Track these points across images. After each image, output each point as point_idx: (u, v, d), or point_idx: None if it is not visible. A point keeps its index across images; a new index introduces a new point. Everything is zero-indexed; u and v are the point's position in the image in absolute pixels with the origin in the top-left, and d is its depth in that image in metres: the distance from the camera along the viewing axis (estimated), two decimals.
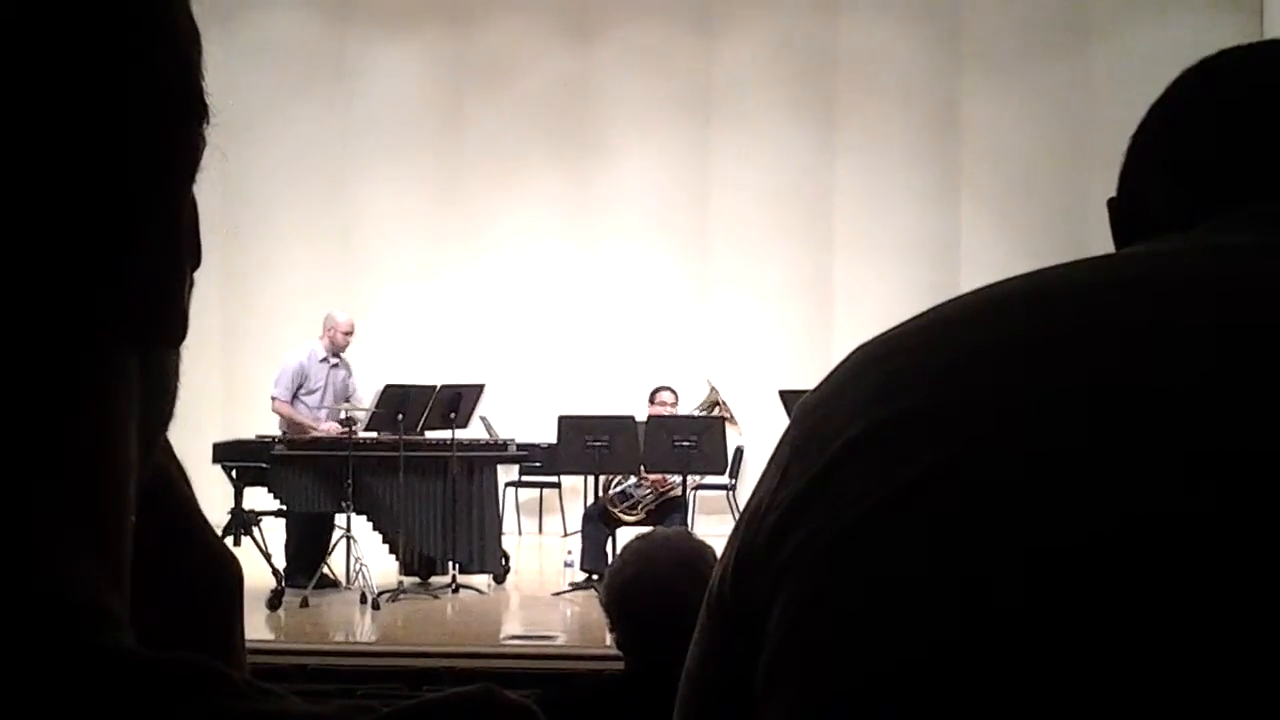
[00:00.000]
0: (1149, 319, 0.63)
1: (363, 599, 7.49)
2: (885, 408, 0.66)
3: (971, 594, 0.59)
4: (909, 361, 0.68)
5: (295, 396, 8.27)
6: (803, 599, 0.65)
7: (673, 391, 8.90)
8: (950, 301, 0.71)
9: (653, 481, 8.37)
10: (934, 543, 0.61)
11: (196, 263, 0.56)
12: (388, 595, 7.59)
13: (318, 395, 8.31)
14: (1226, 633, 0.55)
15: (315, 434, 8.12)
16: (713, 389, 8.92)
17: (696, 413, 8.82)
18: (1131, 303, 0.65)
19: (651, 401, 8.86)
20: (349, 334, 8.39)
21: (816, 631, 0.64)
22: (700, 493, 9.66)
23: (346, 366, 8.48)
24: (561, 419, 8.11)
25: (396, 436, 7.77)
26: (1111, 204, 0.85)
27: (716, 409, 8.75)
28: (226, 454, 7.82)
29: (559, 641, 6.74)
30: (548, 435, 8.42)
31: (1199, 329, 0.62)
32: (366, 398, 8.24)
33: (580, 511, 8.66)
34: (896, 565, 0.62)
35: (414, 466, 7.88)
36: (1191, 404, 0.59)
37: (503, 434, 8.95)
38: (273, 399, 8.28)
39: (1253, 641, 0.54)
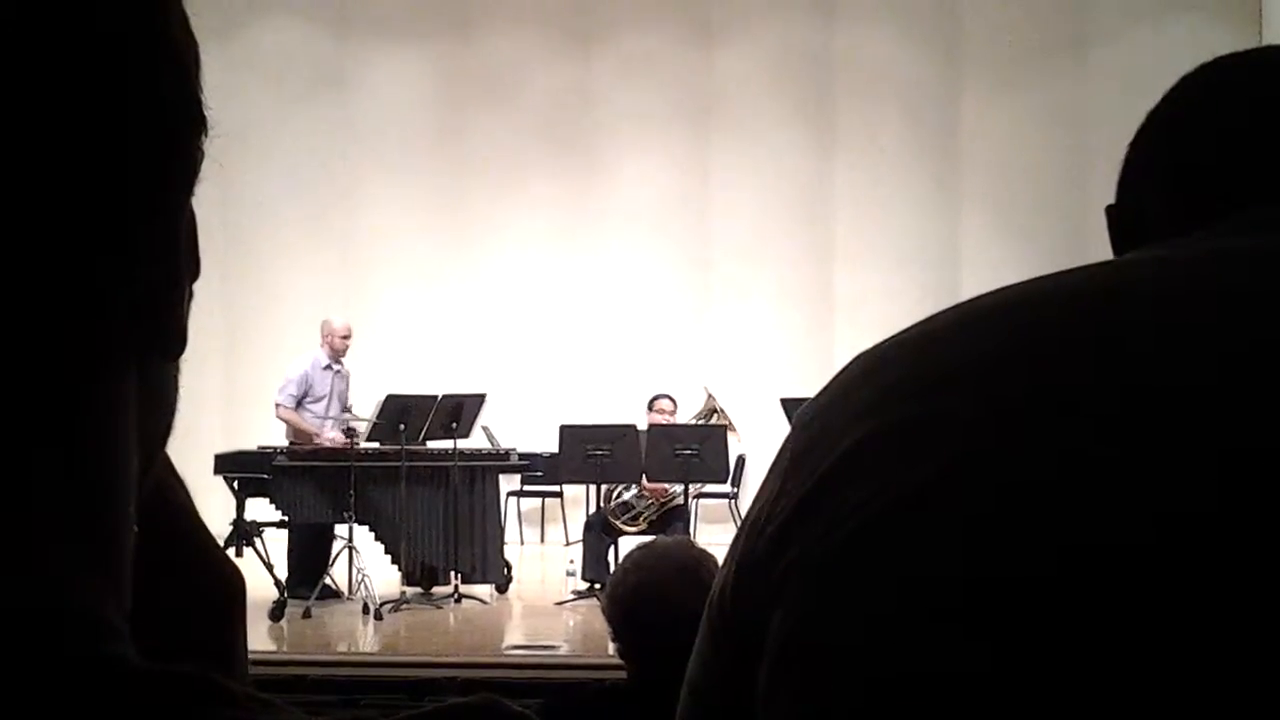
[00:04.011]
0: (1147, 323, 0.63)
1: (365, 609, 7.49)
2: (885, 416, 0.67)
3: (974, 600, 0.59)
4: (908, 370, 0.69)
5: (300, 404, 8.27)
6: (803, 608, 0.65)
7: (671, 399, 8.90)
8: (950, 309, 0.72)
9: (653, 492, 8.36)
10: (935, 551, 0.61)
11: (195, 275, 0.56)
12: (390, 605, 7.59)
13: (323, 404, 8.31)
14: (1236, 631, 0.55)
15: (319, 442, 8.12)
16: (710, 396, 8.92)
17: (695, 421, 8.81)
18: (1130, 307, 0.65)
19: (650, 409, 8.86)
20: (347, 338, 8.39)
21: (816, 641, 0.64)
22: (702, 501, 9.66)
23: (346, 375, 8.48)
24: (563, 428, 8.11)
25: (398, 446, 7.77)
26: (1110, 211, 0.85)
27: (715, 416, 8.74)
28: (228, 465, 7.82)
29: (561, 651, 6.74)
30: (549, 444, 8.42)
31: (1198, 332, 0.62)
32: (357, 408, 8.23)
33: (582, 521, 8.65)
34: (897, 573, 0.62)
35: (416, 476, 7.87)
36: (1192, 404, 0.59)
37: (504, 443, 8.96)
38: (277, 405, 8.28)
39: (1263, 636, 0.54)
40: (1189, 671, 0.55)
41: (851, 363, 0.73)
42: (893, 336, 0.73)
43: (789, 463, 0.71)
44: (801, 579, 0.66)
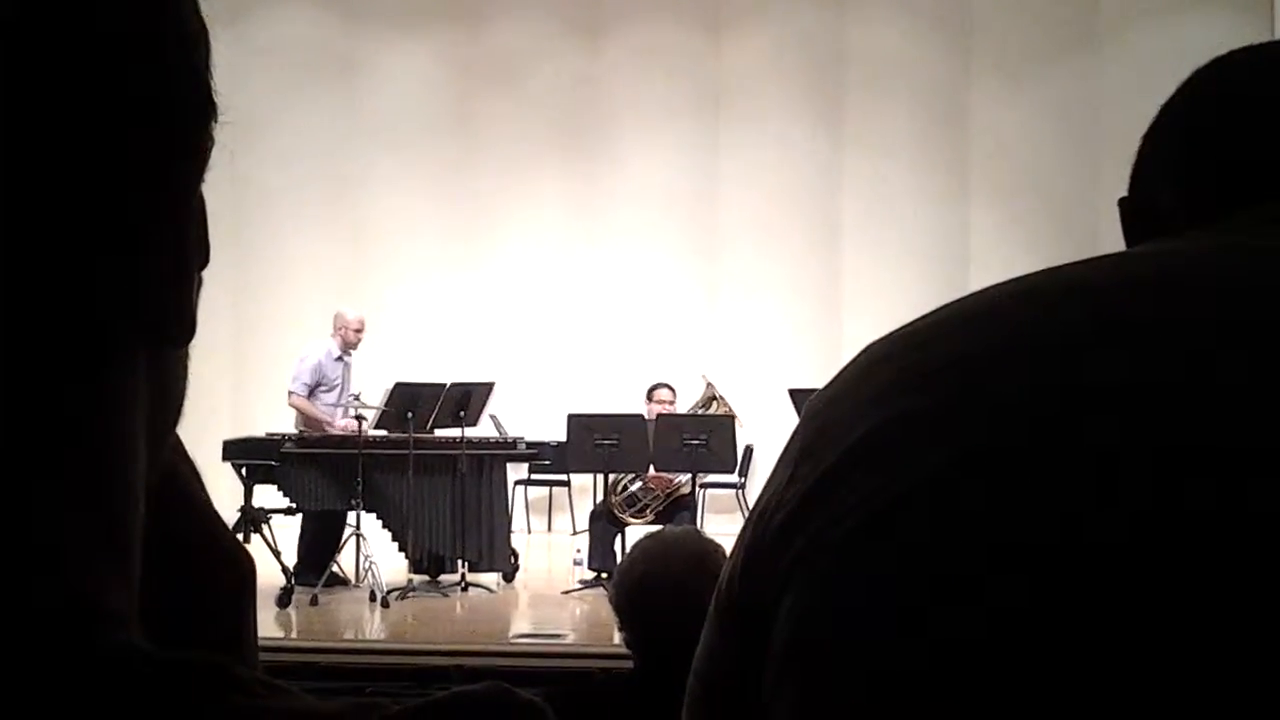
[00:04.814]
0: (1152, 318, 0.63)
1: (372, 597, 7.50)
2: (893, 407, 0.67)
3: (976, 593, 0.60)
4: (917, 360, 0.69)
5: (312, 394, 8.28)
6: (810, 598, 0.65)
7: (670, 389, 8.86)
8: (958, 300, 0.72)
9: (657, 484, 8.34)
10: (940, 543, 0.61)
11: (205, 261, 0.56)
12: (397, 593, 7.60)
13: (335, 393, 8.32)
14: (1231, 629, 0.55)
15: (332, 430, 8.13)
16: (709, 385, 8.89)
17: (694, 409, 8.78)
18: (1135, 302, 0.65)
19: (649, 399, 8.81)
20: (360, 331, 8.41)
21: (822, 630, 0.65)
22: (709, 491, 9.65)
23: (349, 364, 8.49)
24: (570, 417, 8.11)
25: (406, 434, 7.78)
26: (1122, 204, 0.85)
27: (714, 404, 8.72)
28: (236, 452, 7.83)
29: (568, 640, 6.75)
30: (557, 433, 8.42)
31: (1201, 327, 0.62)
32: (364, 396, 8.23)
33: (589, 510, 8.66)
34: (902, 565, 0.62)
35: (423, 464, 7.88)
36: (1192, 401, 0.59)
37: (512, 432, 8.96)
38: (290, 393, 8.29)
39: (1255, 637, 0.54)
40: (1181, 672, 0.55)
41: (860, 354, 0.73)
42: (900, 329, 0.73)
43: (798, 453, 0.71)
44: (807, 571, 0.66)
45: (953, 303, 0.72)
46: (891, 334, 0.73)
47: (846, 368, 0.73)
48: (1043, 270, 0.71)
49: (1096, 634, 0.56)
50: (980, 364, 0.66)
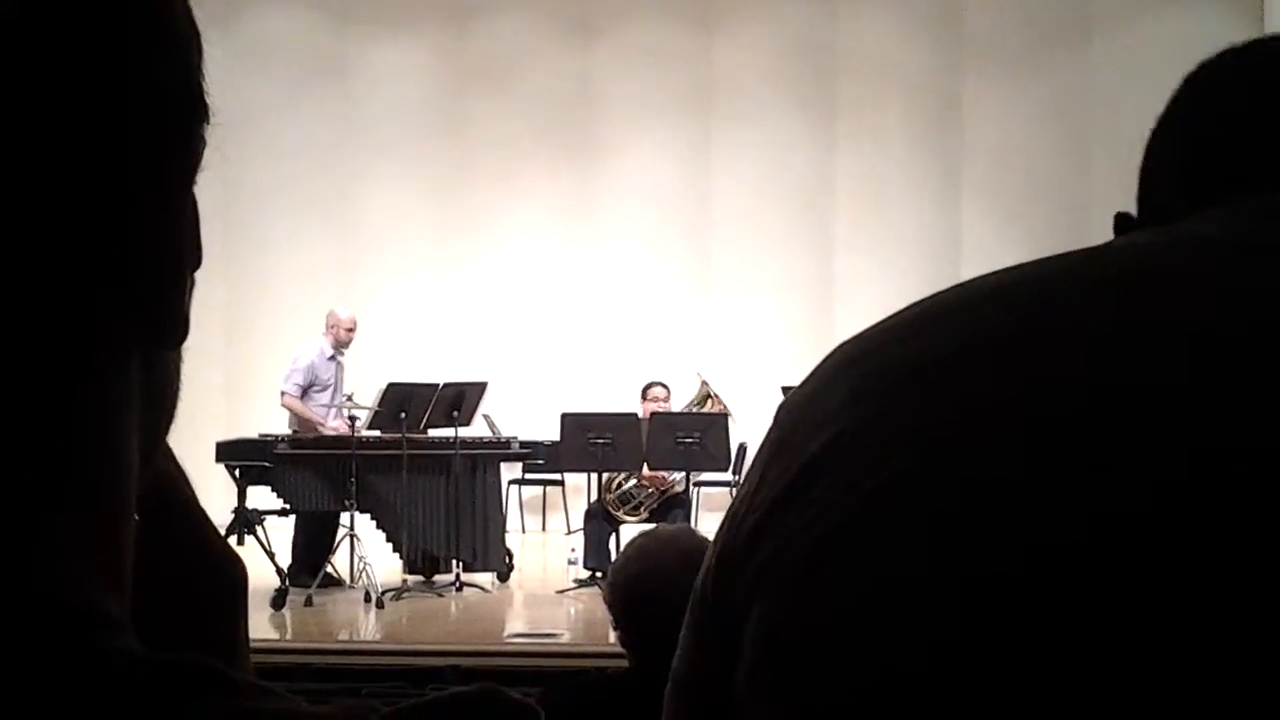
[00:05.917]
0: (1113, 316, 0.63)
1: (366, 597, 7.49)
2: (859, 411, 0.67)
3: (945, 595, 0.59)
4: (882, 362, 0.69)
5: (305, 394, 8.28)
6: (779, 605, 0.65)
7: (665, 387, 8.87)
8: (932, 296, 0.72)
9: (652, 481, 8.35)
10: (903, 547, 0.61)
11: (197, 263, 0.56)
12: (392, 594, 7.60)
13: (328, 393, 8.33)
14: (1202, 626, 0.55)
15: (324, 431, 8.12)
16: (704, 383, 8.89)
17: (690, 408, 8.78)
18: (1097, 300, 0.65)
19: (644, 397, 8.81)
20: (352, 330, 8.43)
21: (791, 636, 0.64)
22: (703, 489, 9.65)
23: (342, 364, 8.49)
24: (564, 417, 8.10)
25: (400, 435, 7.77)
26: (1118, 219, 0.84)
27: (708, 402, 8.72)
28: (229, 453, 7.82)
29: (563, 639, 6.74)
30: (551, 433, 8.42)
31: (1163, 326, 0.62)
32: (358, 396, 8.23)
33: (583, 509, 8.66)
34: (868, 571, 0.62)
35: (417, 465, 7.87)
36: (1155, 401, 0.59)
37: (506, 432, 8.95)
38: (282, 394, 8.28)
39: (1231, 634, 0.54)
40: (1148, 669, 0.55)
41: (835, 351, 0.73)
42: (869, 328, 0.73)
43: (768, 456, 0.71)
44: (777, 576, 0.66)
45: (926, 299, 0.72)
46: (860, 334, 0.73)
47: (820, 366, 0.73)
48: (1014, 266, 0.71)
49: (1062, 632, 0.57)
50: (945, 365, 0.66)
